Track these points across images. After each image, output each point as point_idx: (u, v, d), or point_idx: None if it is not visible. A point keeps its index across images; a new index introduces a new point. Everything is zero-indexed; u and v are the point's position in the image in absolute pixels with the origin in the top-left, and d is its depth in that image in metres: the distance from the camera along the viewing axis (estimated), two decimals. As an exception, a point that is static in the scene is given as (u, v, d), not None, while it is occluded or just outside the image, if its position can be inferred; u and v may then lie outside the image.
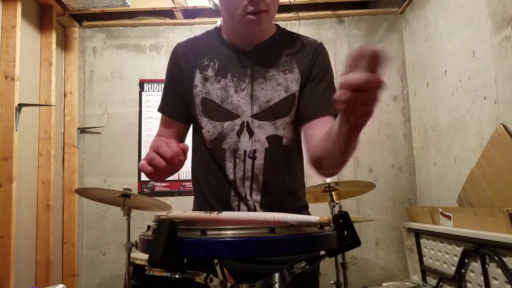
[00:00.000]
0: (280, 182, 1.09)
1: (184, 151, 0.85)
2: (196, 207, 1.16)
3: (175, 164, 0.84)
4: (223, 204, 1.08)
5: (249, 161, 1.06)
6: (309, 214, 1.12)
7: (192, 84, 1.12)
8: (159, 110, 1.21)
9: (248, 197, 1.06)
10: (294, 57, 1.11)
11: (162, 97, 1.21)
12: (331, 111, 1.04)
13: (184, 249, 0.64)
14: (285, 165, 1.10)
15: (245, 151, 1.06)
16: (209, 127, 1.09)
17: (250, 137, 1.07)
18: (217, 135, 1.08)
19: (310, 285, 1.09)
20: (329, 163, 0.96)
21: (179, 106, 1.16)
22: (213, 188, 1.10)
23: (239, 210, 1.06)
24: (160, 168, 0.84)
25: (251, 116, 1.07)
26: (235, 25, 1.09)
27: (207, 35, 1.19)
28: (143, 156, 3.16)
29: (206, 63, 1.12)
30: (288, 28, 1.20)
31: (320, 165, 1.00)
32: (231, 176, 1.07)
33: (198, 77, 1.11)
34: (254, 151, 1.06)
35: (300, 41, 1.15)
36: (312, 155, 1.03)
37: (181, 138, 1.21)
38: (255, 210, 1.06)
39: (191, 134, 1.20)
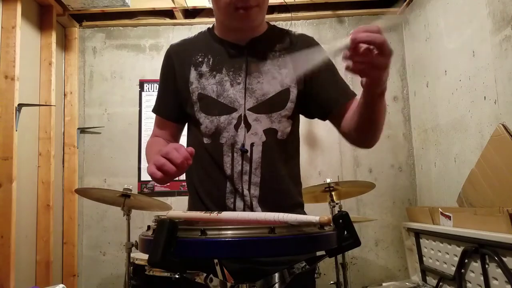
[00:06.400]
0: (277, 176, 1.09)
1: (192, 155, 0.87)
2: (190, 207, 1.16)
3: (184, 168, 0.86)
4: (216, 202, 1.07)
5: (247, 155, 1.06)
6: (304, 213, 1.12)
7: (187, 82, 1.12)
8: (153, 111, 1.23)
9: (246, 192, 1.05)
10: (288, 53, 1.13)
11: (156, 98, 1.23)
12: (350, 96, 1.11)
13: (184, 249, 0.64)
14: (281, 159, 1.10)
15: (243, 144, 1.06)
16: (207, 122, 1.09)
17: (248, 131, 1.07)
18: (215, 129, 1.08)
19: (306, 285, 1.09)
20: (364, 135, 1.04)
21: (173, 107, 1.17)
22: (205, 186, 1.10)
23: (235, 207, 1.06)
24: (170, 173, 0.85)
25: (248, 109, 1.07)
26: (226, 20, 1.11)
27: (200, 35, 1.21)
28: (143, 156, 3.13)
29: (200, 59, 1.13)
30: (288, 29, 1.21)
31: (356, 139, 1.07)
32: (228, 171, 1.06)
33: (193, 74, 1.12)
34: (244, 144, 1.06)
35: (292, 37, 1.17)
36: (346, 133, 1.09)
37: (175, 139, 1.22)
38: (251, 206, 1.05)
39: (185, 134, 1.21)
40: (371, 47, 0.75)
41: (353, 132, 1.04)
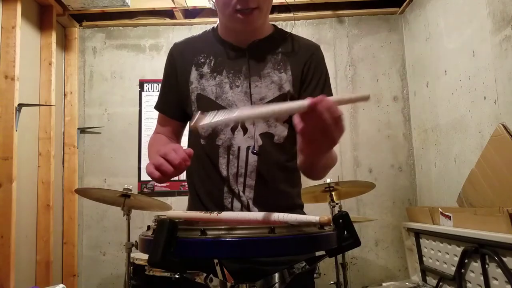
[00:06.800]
0: (273, 179, 1.09)
1: (190, 156, 0.87)
2: (190, 206, 1.17)
3: (181, 169, 0.87)
4: (216, 202, 1.08)
5: (242, 158, 1.07)
6: (304, 214, 1.13)
7: (188, 81, 1.13)
8: (156, 108, 1.24)
9: (241, 193, 1.06)
10: (289, 58, 1.12)
11: (159, 95, 1.24)
12: None
13: (184, 249, 0.64)
14: (277, 163, 1.10)
15: (239, 147, 1.07)
16: None
17: (245, 134, 1.07)
18: (211, 131, 1.09)
19: (306, 285, 1.09)
20: (312, 172, 1.06)
21: (175, 105, 1.18)
22: (206, 186, 1.11)
23: (232, 207, 1.06)
24: (168, 174, 0.86)
25: None
26: (227, 22, 1.11)
27: (204, 34, 1.21)
28: (143, 156, 3.12)
29: (202, 60, 1.14)
30: (288, 29, 1.21)
31: (304, 173, 1.09)
32: (224, 173, 1.07)
33: (194, 74, 1.13)
34: (258, 146, 1.06)
35: (296, 42, 1.16)
36: (299, 163, 1.07)
37: (177, 136, 1.23)
38: (248, 207, 1.06)
39: (186, 134, 1.21)
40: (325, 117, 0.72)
41: (305, 167, 1.04)
